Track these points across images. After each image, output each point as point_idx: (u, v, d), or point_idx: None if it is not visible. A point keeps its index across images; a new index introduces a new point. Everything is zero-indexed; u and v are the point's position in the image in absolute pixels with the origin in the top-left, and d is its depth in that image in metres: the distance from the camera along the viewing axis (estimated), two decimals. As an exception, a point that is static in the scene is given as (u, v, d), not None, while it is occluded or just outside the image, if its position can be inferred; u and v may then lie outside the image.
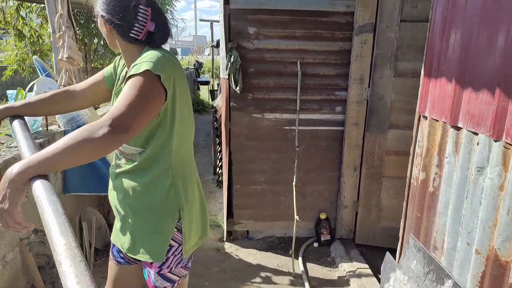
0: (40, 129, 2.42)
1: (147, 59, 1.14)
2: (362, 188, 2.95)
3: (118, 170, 1.32)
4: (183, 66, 1.53)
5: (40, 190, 0.87)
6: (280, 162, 2.99)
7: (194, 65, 13.48)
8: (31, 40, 6.21)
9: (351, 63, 2.75)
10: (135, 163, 1.27)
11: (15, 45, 6.41)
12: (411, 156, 2.01)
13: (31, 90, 2.30)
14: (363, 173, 2.91)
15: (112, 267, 1.50)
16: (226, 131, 2.92)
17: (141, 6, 1.23)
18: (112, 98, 1.40)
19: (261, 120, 2.90)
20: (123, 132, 1.01)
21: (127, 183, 1.29)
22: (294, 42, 2.77)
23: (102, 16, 1.23)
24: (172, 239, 1.28)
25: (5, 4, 6.03)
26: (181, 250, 1.30)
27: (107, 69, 1.44)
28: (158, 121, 1.21)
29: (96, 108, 3.90)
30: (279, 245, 3.10)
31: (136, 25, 1.22)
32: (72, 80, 2.90)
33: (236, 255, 2.94)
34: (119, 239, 1.35)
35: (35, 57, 2.78)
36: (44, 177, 0.92)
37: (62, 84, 2.76)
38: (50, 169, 0.94)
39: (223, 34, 2.76)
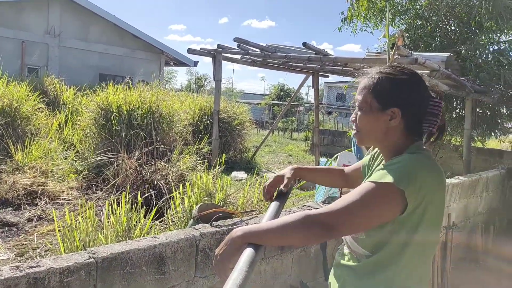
0: (336, 195, 2.73)
1: (398, 166, 1.07)
2: None
3: (341, 261, 1.31)
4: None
5: (243, 256, 1.03)
6: None
7: None
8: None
9: None
10: (359, 263, 1.22)
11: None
12: None
13: (335, 159, 2.68)
14: None
15: None
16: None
17: (432, 98, 1.19)
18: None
19: None
20: (327, 231, 1.04)
21: (345, 278, 1.26)
22: None
23: (396, 109, 1.14)
24: None
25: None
26: None
27: (365, 158, 1.47)
28: (391, 230, 1.12)
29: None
30: None
31: (431, 118, 1.18)
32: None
33: None
34: None
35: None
36: (258, 247, 1.07)
37: (367, 158, 2.99)
38: (261, 242, 1.08)
39: None
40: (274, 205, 1.39)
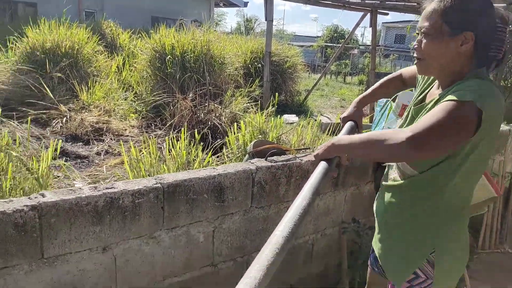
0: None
1: (475, 89, 1.06)
2: None
3: (387, 183, 1.36)
4: None
5: (318, 168, 1.19)
6: None
7: None
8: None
9: None
10: (406, 183, 1.26)
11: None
12: None
13: (394, 100, 2.56)
14: None
15: (369, 270, 1.62)
16: None
17: (498, 23, 1.14)
18: (409, 111, 1.38)
19: None
20: (417, 150, 1.03)
21: (390, 198, 1.32)
22: None
23: (469, 33, 1.11)
24: (420, 269, 1.23)
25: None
26: (428, 285, 1.23)
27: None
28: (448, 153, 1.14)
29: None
30: None
31: (497, 43, 1.13)
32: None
33: None
34: (376, 247, 1.43)
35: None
36: (332, 161, 1.22)
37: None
38: (349, 154, 1.23)
39: None
40: (347, 125, 1.54)
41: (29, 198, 1.35)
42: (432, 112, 1.05)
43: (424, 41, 1.16)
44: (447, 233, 1.21)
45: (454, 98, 1.04)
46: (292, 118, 6.88)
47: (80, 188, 1.46)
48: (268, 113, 3.32)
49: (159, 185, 1.59)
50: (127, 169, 2.34)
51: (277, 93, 3.99)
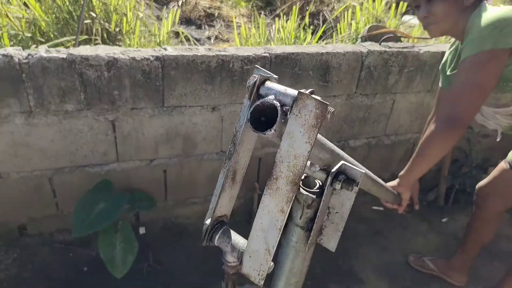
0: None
1: (489, 30, 1.10)
2: None
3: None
4: None
5: None
6: None
7: None
8: None
9: None
10: None
11: None
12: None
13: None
14: None
15: (504, 165, 1.51)
16: None
17: None
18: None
19: None
20: (463, 127, 1.15)
21: None
22: None
23: None
24: None
25: None
26: None
27: (442, 62, 1.48)
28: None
29: None
30: None
31: None
32: None
33: None
34: None
35: None
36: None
37: None
38: (417, 175, 1.33)
39: None
40: None
41: (154, 50, 1.49)
42: (460, 75, 1.13)
43: (434, 5, 1.21)
44: None
45: (473, 52, 1.10)
46: (414, 20, 6.12)
47: (196, 48, 1.56)
48: (388, 1, 2.99)
49: (267, 54, 1.61)
50: (237, 42, 2.40)
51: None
